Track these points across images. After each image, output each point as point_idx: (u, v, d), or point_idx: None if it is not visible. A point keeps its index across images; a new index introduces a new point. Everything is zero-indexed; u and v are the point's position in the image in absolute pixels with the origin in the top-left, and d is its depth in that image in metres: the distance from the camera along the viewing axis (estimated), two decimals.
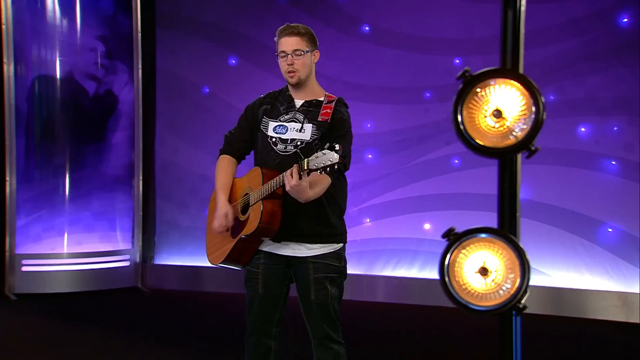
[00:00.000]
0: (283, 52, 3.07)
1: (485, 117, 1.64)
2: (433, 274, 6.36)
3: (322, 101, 3.10)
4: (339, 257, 3.07)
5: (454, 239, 1.69)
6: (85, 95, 6.86)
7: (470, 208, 6.30)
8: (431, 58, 6.51)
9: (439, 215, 6.47)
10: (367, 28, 6.77)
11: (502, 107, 1.61)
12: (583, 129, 6.04)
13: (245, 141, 3.22)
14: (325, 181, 2.93)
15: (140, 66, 7.13)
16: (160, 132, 7.40)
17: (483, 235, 1.68)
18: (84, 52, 6.81)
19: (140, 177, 7.20)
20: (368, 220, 6.70)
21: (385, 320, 5.84)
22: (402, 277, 6.53)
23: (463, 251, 1.70)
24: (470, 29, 6.35)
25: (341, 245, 3.09)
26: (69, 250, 6.69)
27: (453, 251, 1.70)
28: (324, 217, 3.02)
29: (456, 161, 6.44)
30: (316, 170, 2.69)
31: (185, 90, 7.30)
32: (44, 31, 6.67)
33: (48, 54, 6.69)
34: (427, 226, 6.52)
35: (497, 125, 1.63)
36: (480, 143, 1.64)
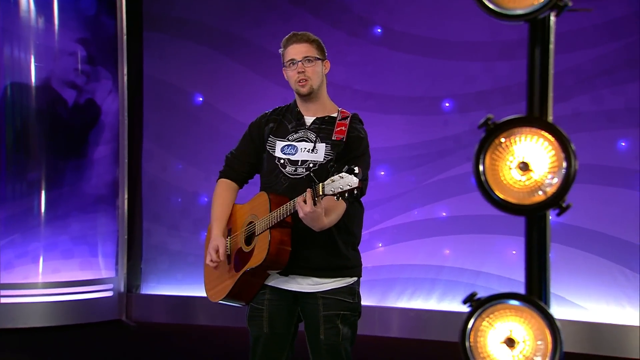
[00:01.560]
0: (292, 60, 3.11)
1: (510, 169, 1.63)
2: (454, 305, 6.35)
3: (336, 118, 3.13)
4: (353, 293, 3.08)
5: (477, 306, 1.68)
6: (64, 105, 6.87)
7: (494, 231, 6.29)
8: (451, 63, 6.51)
9: (460, 239, 6.46)
10: (379, 30, 6.77)
11: (529, 159, 1.61)
12: (623, 144, 6.02)
13: (249, 163, 3.25)
14: (340, 207, 2.95)
15: (125, 72, 7.15)
16: (147, 147, 7.41)
17: (509, 302, 1.68)
18: (62, 56, 6.83)
19: (126, 197, 7.21)
20: (380, 244, 6.69)
21: (400, 358, 5.82)
22: (418, 309, 6.52)
23: (487, 319, 1.69)
24: (495, 31, 6.35)
25: (355, 279, 3.12)
26: (44, 279, 6.68)
27: (476, 319, 1.69)
28: (336, 248, 3.04)
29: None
30: (332, 195, 2.72)
31: (175, 99, 7.32)
32: (17, 33, 6.69)
33: (22, 58, 6.71)
34: (446, 251, 6.50)
35: (523, 179, 1.62)
36: (504, 198, 1.64)
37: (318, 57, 3.12)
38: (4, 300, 6.56)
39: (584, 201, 6.02)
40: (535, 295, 1.67)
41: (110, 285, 7.03)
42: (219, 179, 3.33)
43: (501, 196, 1.64)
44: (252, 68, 7.03)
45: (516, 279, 5.99)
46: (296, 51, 3.12)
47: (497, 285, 6.15)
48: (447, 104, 6.58)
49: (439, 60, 6.56)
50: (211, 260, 3.15)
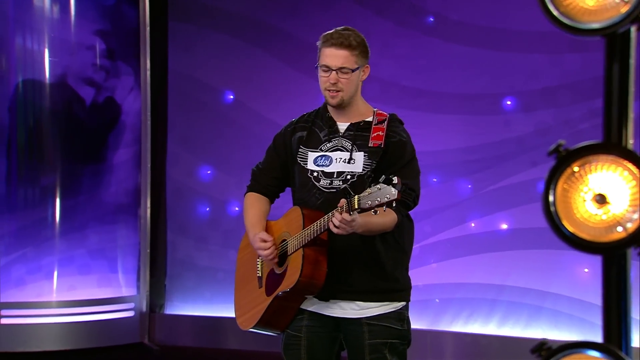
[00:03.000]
0: (326, 66, 3.12)
1: (585, 201, 1.62)
2: (516, 330, 6.30)
3: (371, 122, 3.14)
4: (402, 319, 3.10)
5: (547, 356, 1.66)
6: (81, 104, 6.94)
7: (563, 246, 6.05)
8: (513, 56, 6.46)
9: (524, 255, 6.40)
10: (431, 19, 6.75)
11: (607, 191, 1.59)
12: None
13: (276, 178, 3.29)
14: (390, 216, 2.94)
15: (148, 67, 7.21)
16: (172, 150, 7.46)
17: (583, 351, 1.65)
18: (79, 50, 6.90)
19: (148, 206, 7.26)
20: (432, 261, 6.65)
21: None
22: (475, 334, 6.47)
23: None
24: None
25: (404, 303, 3.14)
26: (59, 298, 6.74)
27: None
28: (383, 268, 3.06)
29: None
30: (369, 209, 2.73)
31: (204, 97, 7.36)
32: (30, 24, 6.77)
33: (35, 52, 6.79)
34: (508, 269, 6.45)
35: (599, 212, 1.61)
36: (577, 233, 1.62)
37: (357, 66, 3.11)
38: (15, 321, 6.63)
39: None
40: (614, 344, 1.65)
41: (132, 305, 7.07)
42: (246, 193, 3.38)
43: (573, 231, 1.63)
44: (289, 63, 7.03)
45: (588, 301, 5.92)
46: (333, 57, 3.11)
47: (568, 308, 6.09)
48: (508, 102, 6.52)
49: (500, 53, 6.50)
50: (265, 248, 3.12)
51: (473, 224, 6.60)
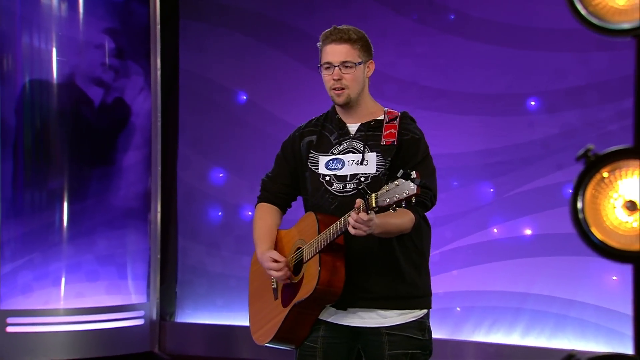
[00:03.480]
0: (328, 63, 3.14)
1: (615, 208, 1.61)
2: (540, 340, 6.27)
3: (383, 120, 3.15)
4: (423, 328, 3.12)
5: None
6: (89, 105, 6.97)
7: (591, 253, 6.08)
8: (537, 55, 6.44)
9: (549, 262, 6.38)
10: (452, 16, 6.74)
11: (638, 198, 1.58)
12: None
13: (286, 185, 3.31)
14: (408, 216, 2.94)
15: (159, 67, 7.24)
16: (184, 152, 7.48)
17: None
18: (87, 49, 6.93)
19: (159, 210, 7.29)
20: (453, 268, 6.64)
21: None
22: (498, 344, 6.45)
23: None
24: None
25: (425, 311, 3.15)
26: (66, 305, 6.77)
27: None
28: (401, 272, 3.07)
29: (571, 191, 6.33)
30: (388, 206, 2.72)
31: (216, 98, 7.38)
32: (38, 22, 6.80)
33: (42, 51, 6.82)
34: (532, 276, 6.42)
35: (630, 220, 1.60)
36: (606, 241, 1.62)
37: (360, 60, 3.12)
38: (21, 329, 6.65)
39: None
40: None
41: (141, 312, 7.09)
42: (256, 204, 3.39)
43: (602, 239, 1.63)
44: (304, 62, 7.02)
45: (617, 310, 5.89)
46: (334, 53, 3.12)
47: (595, 317, 6.06)
48: (532, 103, 6.51)
49: (523, 51, 6.48)
50: (275, 270, 3.12)
51: (495, 230, 6.58)
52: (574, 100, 6.32)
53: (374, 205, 2.75)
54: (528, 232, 6.48)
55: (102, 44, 6.98)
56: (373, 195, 2.76)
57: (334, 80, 3.11)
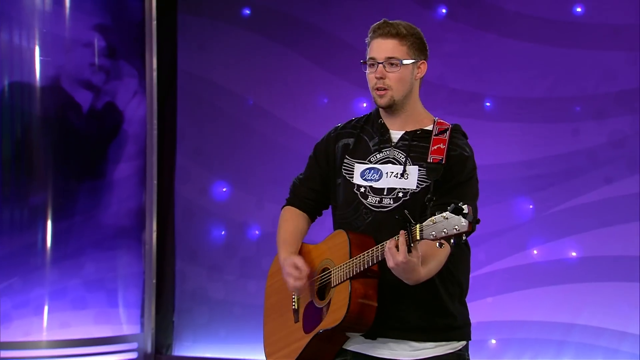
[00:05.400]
0: (372, 59, 3.16)
1: None
2: None
3: (431, 131, 3.15)
4: None
5: None
6: (77, 111, 7.00)
7: None
8: (582, 54, 6.46)
9: (597, 288, 6.39)
10: (484, 11, 6.73)
11: None
12: None
13: (314, 190, 3.32)
14: (443, 254, 2.96)
15: (154, 68, 7.27)
16: (182, 164, 7.50)
17: None
18: (75, 48, 6.98)
19: (154, 229, 7.31)
20: (487, 295, 6.60)
21: None
22: None
23: None
24: None
25: (464, 343, 3.16)
26: (50, 337, 6.78)
27: None
28: (438, 302, 3.07)
29: None
30: (433, 241, 2.74)
31: (219, 103, 7.40)
32: (18, 18, 6.85)
33: (24, 50, 6.86)
34: (578, 305, 6.38)
35: None
36: None
37: (408, 59, 3.13)
38: None
39: None
40: None
41: (134, 345, 7.11)
42: (282, 206, 3.41)
43: None
44: (318, 62, 7.04)
45: None
46: (379, 49, 3.13)
47: None
48: (577, 108, 6.48)
49: (566, 50, 6.50)
50: (295, 278, 3.14)
51: (535, 251, 6.58)
52: (624, 105, 6.33)
53: (417, 237, 2.76)
54: (573, 254, 6.47)
55: (91, 42, 7.02)
56: (417, 227, 2.76)
57: (376, 78, 3.11)
